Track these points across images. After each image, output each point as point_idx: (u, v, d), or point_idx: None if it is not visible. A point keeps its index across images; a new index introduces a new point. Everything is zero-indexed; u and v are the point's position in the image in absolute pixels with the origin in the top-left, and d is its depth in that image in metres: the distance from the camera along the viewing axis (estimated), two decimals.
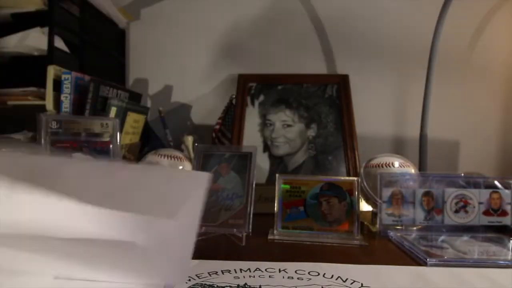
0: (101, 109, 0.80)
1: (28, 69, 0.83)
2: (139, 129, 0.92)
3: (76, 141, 0.70)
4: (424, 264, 0.48)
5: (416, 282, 0.41)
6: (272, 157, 0.90)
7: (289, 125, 0.92)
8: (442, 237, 0.60)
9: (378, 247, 0.57)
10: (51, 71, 0.75)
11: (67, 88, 0.75)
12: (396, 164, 0.68)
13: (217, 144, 0.94)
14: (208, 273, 0.41)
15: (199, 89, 1.13)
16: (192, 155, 0.88)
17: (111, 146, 0.73)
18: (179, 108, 1.14)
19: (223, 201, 0.60)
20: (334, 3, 1.10)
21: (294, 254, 0.52)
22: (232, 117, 0.94)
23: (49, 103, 0.75)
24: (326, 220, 0.60)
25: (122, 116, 0.81)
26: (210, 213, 0.59)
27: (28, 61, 0.83)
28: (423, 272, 0.45)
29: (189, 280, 0.38)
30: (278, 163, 0.89)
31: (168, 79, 1.15)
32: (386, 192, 0.63)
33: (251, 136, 0.91)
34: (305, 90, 0.96)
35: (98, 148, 0.72)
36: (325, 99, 0.95)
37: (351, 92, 0.95)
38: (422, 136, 0.93)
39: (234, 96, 0.96)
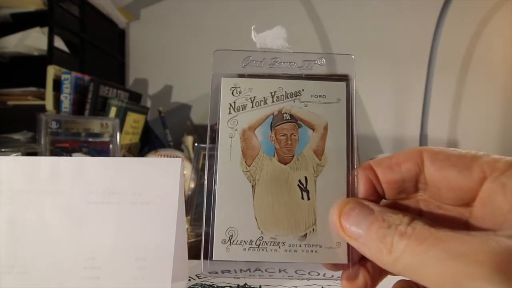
0: (101, 109, 0.80)
1: (28, 69, 0.84)
2: (139, 129, 0.92)
3: (76, 141, 0.70)
4: None
5: None
6: None
7: None
8: None
9: None
10: (51, 71, 0.75)
11: (67, 88, 0.75)
12: None
13: None
14: (208, 272, 0.41)
15: (199, 89, 1.13)
16: (192, 155, 0.88)
17: (111, 146, 0.73)
18: (179, 108, 1.14)
19: None
20: (334, 2, 1.10)
21: None
22: None
23: (49, 103, 0.75)
24: None
25: (122, 116, 0.81)
26: None
27: (28, 61, 0.83)
28: None
29: (189, 280, 0.38)
30: None
31: (168, 79, 1.15)
32: None
33: None
34: None
35: (98, 148, 0.72)
36: None
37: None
38: (422, 136, 0.93)
39: None
